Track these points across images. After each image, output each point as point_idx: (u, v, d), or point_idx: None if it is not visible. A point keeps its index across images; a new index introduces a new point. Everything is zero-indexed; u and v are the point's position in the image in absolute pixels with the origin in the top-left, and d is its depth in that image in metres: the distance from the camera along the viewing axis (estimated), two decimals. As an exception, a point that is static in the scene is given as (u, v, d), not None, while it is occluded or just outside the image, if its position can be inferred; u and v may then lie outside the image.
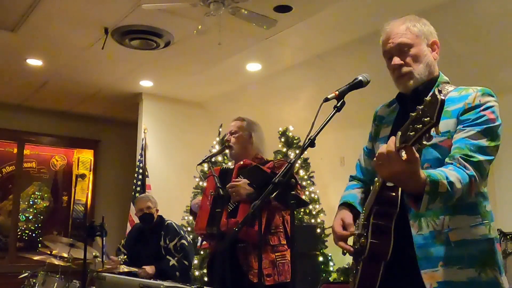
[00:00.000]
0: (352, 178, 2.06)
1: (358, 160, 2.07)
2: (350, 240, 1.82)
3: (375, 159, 1.47)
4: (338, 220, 1.84)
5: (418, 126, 1.30)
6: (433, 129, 1.28)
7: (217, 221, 2.78)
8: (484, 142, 1.58)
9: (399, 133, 1.37)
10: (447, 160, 1.58)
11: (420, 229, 1.61)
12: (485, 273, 1.58)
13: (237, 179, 2.83)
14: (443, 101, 1.26)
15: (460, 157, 1.55)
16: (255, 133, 3.10)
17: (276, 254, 2.80)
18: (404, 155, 1.38)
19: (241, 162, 2.96)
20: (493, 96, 1.66)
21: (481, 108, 1.62)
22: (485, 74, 4.54)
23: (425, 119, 1.28)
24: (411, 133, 1.32)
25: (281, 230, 2.89)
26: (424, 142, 1.32)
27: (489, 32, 4.31)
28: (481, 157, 1.56)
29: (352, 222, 1.81)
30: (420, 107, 1.31)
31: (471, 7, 4.14)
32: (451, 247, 1.58)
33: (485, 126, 1.59)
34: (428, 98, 1.30)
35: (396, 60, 1.76)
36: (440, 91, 1.30)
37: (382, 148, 1.42)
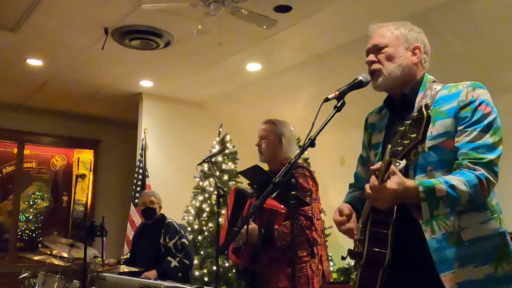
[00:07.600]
0: (351, 186, 2.06)
1: (355, 170, 2.07)
2: (351, 244, 1.82)
3: (365, 194, 1.52)
4: (336, 211, 1.84)
5: (405, 142, 1.33)
6: (420, 146, 1.31)
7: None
8: (489, 139, 1.58)
9: (389, 146, 1.40)
10: (455, 168, 1.58)
11: (433, 233, 1.60)
12: (501, 267, 1.57)
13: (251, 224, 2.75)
14: (429, 118, 1.28)
15: (468, 162, 1.55)
16: (285, 138, 3.06)
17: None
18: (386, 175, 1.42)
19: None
20: (483, 88, 1.68)
21: (476, 103, 1.62)
22: (485, 74, 4.53)
23: (412, 136, 1.30)
24: (399, 148, 1.35)
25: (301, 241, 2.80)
26: (412, 158, 1.34)
27: (489, 32, 4.30)
28: (490, 156, 1.57)
29: (348, 207, 1.79)
30: (408, 122, 1.34)
31: (471, 7, 4.13)
32: (464, 247, 1.58)
33: (485, 122, 1.60)
34: (415, 113, 1.32)
35: (370, 57, 1.82)
36: (427, 106, 1.30)
37: (367, 188, 1.49)
